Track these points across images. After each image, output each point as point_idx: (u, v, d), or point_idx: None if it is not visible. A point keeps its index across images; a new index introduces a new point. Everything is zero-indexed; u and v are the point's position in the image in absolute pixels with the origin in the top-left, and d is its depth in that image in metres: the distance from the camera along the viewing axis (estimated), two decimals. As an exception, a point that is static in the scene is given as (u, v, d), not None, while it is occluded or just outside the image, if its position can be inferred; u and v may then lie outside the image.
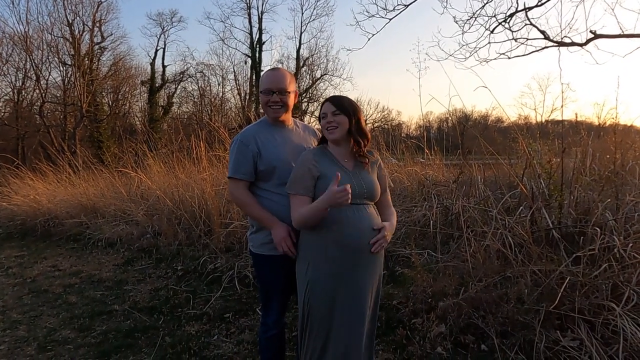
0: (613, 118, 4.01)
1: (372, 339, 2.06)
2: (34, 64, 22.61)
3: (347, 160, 1.98)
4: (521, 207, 3.46)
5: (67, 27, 23.41)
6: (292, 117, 2.27)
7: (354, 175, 1.94)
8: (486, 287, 2.87)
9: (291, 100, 2.15)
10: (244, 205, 2.16)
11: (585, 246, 2.75)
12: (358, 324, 1.92)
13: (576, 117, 3.94)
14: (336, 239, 1.86)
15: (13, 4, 22.86)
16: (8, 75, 23.11)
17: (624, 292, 2.43)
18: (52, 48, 23.11)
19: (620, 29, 5.29)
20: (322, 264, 1.90)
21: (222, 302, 3.83)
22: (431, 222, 3.87)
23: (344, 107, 1.92)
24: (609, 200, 3.11)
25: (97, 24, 24.83)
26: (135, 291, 4.34)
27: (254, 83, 27.57)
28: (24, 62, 22.92)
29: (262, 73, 2.43)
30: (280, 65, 28.19)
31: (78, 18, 23.94)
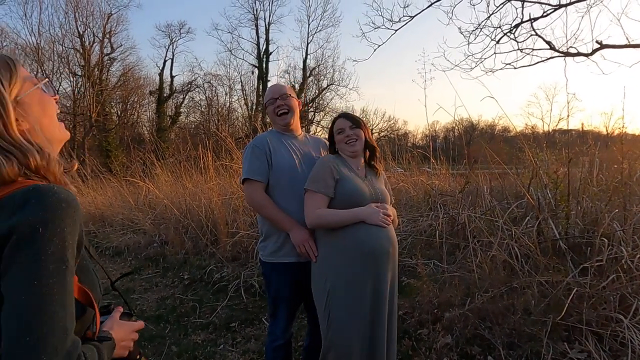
0: (620, 128, 4.01)
1: (394, 344, 2.02)
2: (45, 75, 22.99)
3: (359, 169, 2.10)
4: (528, 217, 3.45)
5: (78, 39, 23.91)
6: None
7: (368, 182, 2.06)
8: (493, 297, 2.86)
9: (294, 104, 2.25)
10: (261, 207, 2.11)
11: (592, 257, 2.74)
12: (380, 332, 1.91)
13: (582, 127, 3.93)
14: (356, 246, 1.89)
15: (26, 16, 23.28)
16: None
17: (632, 303, 2.41)
18: (62, 59, 23.59)
19: (627, 39, 5.28)
20: (341, 273, 1.90)
21: (228, 311, 3.84)
22: (437, 232, 3.86)
23: (358, 122, 2.09)
24: (617, 210, 3.09)
25: (107, 36, 25.31)
26: (142, 300, 4.36)
27: (260, 93, 27.83)
28: (35, 72, 23.33)
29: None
30: (286, 76, 28.50)
31: (89, 30, 24.46)
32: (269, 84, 28.46)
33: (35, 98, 0.90)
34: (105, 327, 0.98)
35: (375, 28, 6.29)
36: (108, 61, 25.76)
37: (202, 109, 29.06)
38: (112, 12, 25.31)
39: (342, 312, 1.89)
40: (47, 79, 0.96)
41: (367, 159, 2.15)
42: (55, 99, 0.96)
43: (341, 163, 2.05)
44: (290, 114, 2.22)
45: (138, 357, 1.09)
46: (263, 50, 28.36)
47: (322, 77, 29.04)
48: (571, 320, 2.47)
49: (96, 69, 24.41)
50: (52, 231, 0.75)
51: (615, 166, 3.79)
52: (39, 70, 22.86)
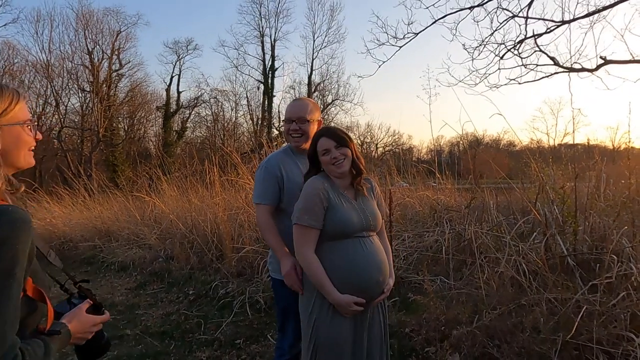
0: (627, 142, 3.99)
1: None
2: (54, 91, 23.45)
3: (347, 192, 1.96)
4: (535, 233, 3.42)
5: (87, 55, 24.36)
6: None
7: (358, 206, 1.93)
8: (501, 315, 2.82)
9: (312, 128, 2.18)
10: (262, 231, 2.21)
11: (601, 274, 2.70)
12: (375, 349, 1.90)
13: (588, 142, 3.93)
14: (344, 277, 1.82)
15: (37, 34, 23.81)
16: (29, 101, 23.83)
17: (643, 322, 2.37)
18: (72, 75, 24.03)
19: (631, 54, 5.30)
20: (328, 303, 1.85)
21: (233, 328, 3.81)
22: (443, 247, 3.84)
23: (343, 140, 1.91)
24: (626, 227, 3.06)
25: (116, 52, 25.78)
26: (147, 316, 4.34)
27: (266, 108, 28.08)
28: (44, 88, 23.79)
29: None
30: (292, 91, 28.74)
31: (98, 47, 24.94)
32: (275, 100, 28.84)
33: (14, 132, 1.04)
34: (64, 319, 1.10)
35: (379, 45, 6.37)
36: (116, 77, 26.19)
37: (208, 124, 29.36)
38: (121, 30, 25.84)
39: (328, 343, 1.85)
40: (35, 121, 1.11)
41: (351, 180, 1.96)
42: (37, 138, 1.11)
43: (330, 187, 1.91)
44: (303, 138, 2.17)
45: (102, 341, 1.21)
46: (269, 66, 28.70)
47: (327, 92, 29.32)
48: (581, 339, 2.43)
49: (104, 85, 24.79)
50: (6, 249, 0.89)
51: (623, 181, 3.77)
52: (49, 86, 23.25)
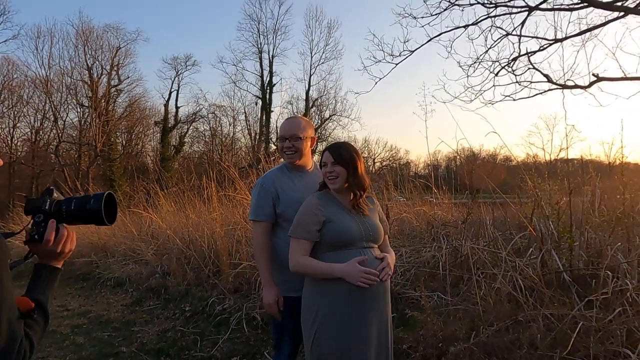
0: (621, 158, 4.03)
1: None
2: (52, 106, 23.54)
3: (348, 206, 1.99)
4: (531, 249, 3.44)
5: (87, 71, 24.52)
6: None
7: (359, 219, 1.97)
8: (498, 331, 2.82)
9: (305, 145, 2.22)
10: (256, 251, 2.26)
11: (597, 289, 2.71)
12: None
13: (582, 158, 3.97)
14: (345, 287, 1.85)
15: (37, 49, 23.99)
16: (27, 116, 23.98)
17: (639, 338, 2.37)
18: (71, 90, 24.17)
19: (622, 72, 5.40)
20: (330, 312, 1.88)
21: (229, 345, 3.78)
22: (440, 263, 3.84)
23: (342, 157, 1.95)
24: (620, 243, 3.08)
25: (115, 68, 25.99)
26: (143, 332, 4.30)
27: (264, 123, 28.22)
28: (43, 104, 23.88)
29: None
30: (289, 106, 28.93)
31: (97, 62, 25.14)
32: (273, 115, 28.99)
33: None
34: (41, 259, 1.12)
35: (376, 62, 6.48)
36: (115, 93, 26.34)
37: (206, 139, 29.46)
38: (121, 46, 26.07)
39: (330, 352, 1.88)
40: None
41: (351, 200, 1.98)
42: None
43: (328, 201, 1.98)
44: (297, 155, 2.20)
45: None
46: (267, 82, 28.94)
47: (324, 107, 29.50)
48: (578, 355, 2.43)
49: (103, 100, 24.91)
50: None
51: (618, 196, 3.80)
52: (47, 102, 23.34)
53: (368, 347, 1.90)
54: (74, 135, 25.03)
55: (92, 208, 1.12)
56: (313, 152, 2.44)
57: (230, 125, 29.34)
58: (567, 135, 3.87)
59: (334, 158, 1.95)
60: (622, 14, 5.22)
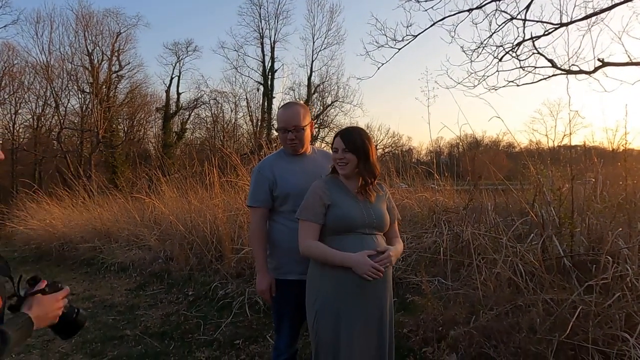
0: (624, 144, 4.00)
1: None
2: (54, 92, 23.40)
3: (357, 191, 2.01)
4: (532, 235, 3.44)
5: (87, 57, 24.32)
6: None
7: (364, 205, 1.99)
8: (497, 315, 2.84)
9: (307, 134, 2.22)
10: (251, 237, 2.30)
11: (597, 275, 2.72)
12: (368, 354, 1.92)
13: (585, 144, 3.95)
14: (349, 274, 1.87)
15: (37, 35, 23.77)
16: (29, 102, 23.90)
17: (638, 322, 2.39)
18: (71, 76, 23.98)
19: (628, 57, 5.32)
20: (330, 294, 1.92)
21: (232, 329, 3.83)
22: (441, 248, 3.86)
23: (354, 145, 1.94)
24: (621, 229, 3.08)
25: (116, 54, 25.75)
26: (147, 316, 4.36)
27: (265, 110, 28.06)
28: (44, 90, 23.76)
29: (277, 110, 2.53)
30: (291, 92, 28.74)
31: (97, 48, 24.91)
32: (275, 101, 28.82)
33: None
34: (24, 309, 1.14)
35: (378, 47, 6.38)
36: (116, 79, 26.15)
37: (208, 126, 29.32)
38: (121, 31, 25.80)
39: (329, 333, 1.91)
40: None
41: (359, 186, 1.99)
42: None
43: (334, 185, 2.00)
44: (300, 144, 2.20)
45: (75, 316, 1.25)
46: (268, 68, 28.69)
47: (326, 93, 29.27)
48: (577, 339, 2.45)
49: (104, 86, 24.77)
50: None
51: (620, 183, 3.79)
52: (48, 88, 23.24)
53: (369, 333, 1.93)
54: (75, 121, 24.96)
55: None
56: (311, 136, 2.43)
57: (232, 111, 29.21)
58: (570, 122, 3.85)
59: (345, 145, 1.94)
60: (629, -3, 5.13)
